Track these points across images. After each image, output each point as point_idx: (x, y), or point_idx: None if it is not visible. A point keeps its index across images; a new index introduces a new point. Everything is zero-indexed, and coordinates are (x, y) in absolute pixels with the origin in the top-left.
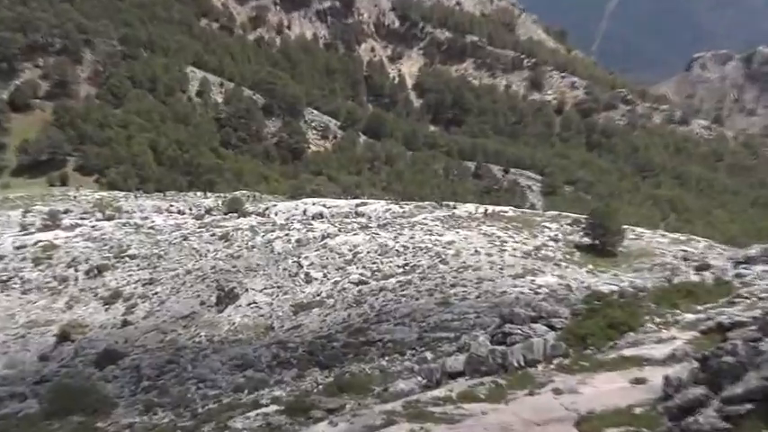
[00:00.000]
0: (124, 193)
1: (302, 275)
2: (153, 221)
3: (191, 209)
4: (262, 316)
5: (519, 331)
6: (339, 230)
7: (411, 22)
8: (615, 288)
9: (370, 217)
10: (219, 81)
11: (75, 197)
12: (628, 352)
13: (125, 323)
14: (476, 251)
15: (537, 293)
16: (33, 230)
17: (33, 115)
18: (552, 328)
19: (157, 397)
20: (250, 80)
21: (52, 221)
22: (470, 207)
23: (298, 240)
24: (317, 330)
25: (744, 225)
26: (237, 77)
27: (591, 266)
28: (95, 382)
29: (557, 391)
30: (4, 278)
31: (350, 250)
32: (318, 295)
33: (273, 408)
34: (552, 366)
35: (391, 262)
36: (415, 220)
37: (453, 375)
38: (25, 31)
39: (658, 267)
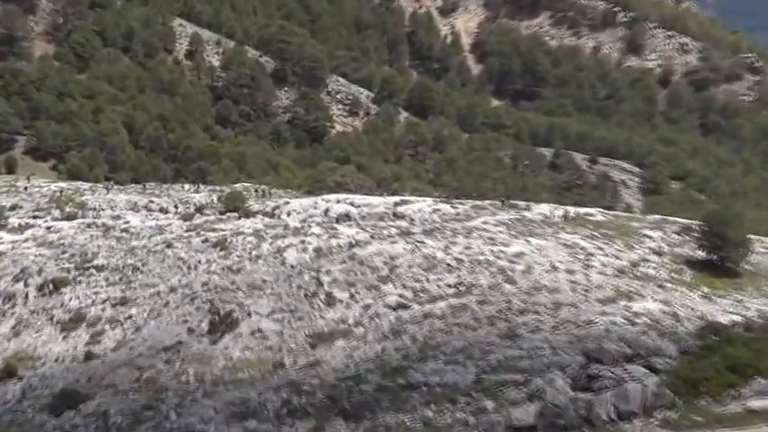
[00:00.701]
0: (90, 184)
1: (322, 296)
2: (127, 222)
3: (177, 206)
4: (269, 348)
5: (609, 374)
6: (372, 237)
7: None
8: (738, 319)
9: (412, 220)
10: (216, 38)
11: (25, 189)
12: (756, 403)
13: (89, 355)
14: (552, 267)
15: (633, 324)
16: None
17: None
18: (653, 370)
19: None
20: (256, 38)
21: None
22: (545, 208)
23: (317, 250)
24: (342, 369)
25: None
26: (239, 34)
27: (706, 289)
28: None
29: None
30: None
31: (385, 263)
32: (343, 322)
33: None
34: (654, 421)
35: (440, 280)
36: (471, 225)
37: (521, 431)
38: None
39: None
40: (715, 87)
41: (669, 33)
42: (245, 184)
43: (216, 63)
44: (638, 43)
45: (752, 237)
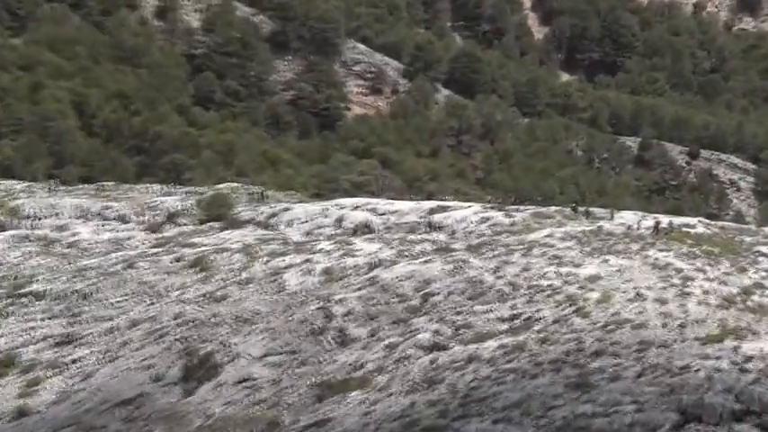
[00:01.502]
0: (26, 183)
1: (333, 333)
2: (75, 234)
3: (141, 214)
4: (261, 403)
5: None
6: (399, 255)
7: None
8: None
9: (453, 231)
10: None
11: None
12: None
13: (22, 412)
14: (637, 295)
15: (744, 371)
16: None
17: None
18: None
19: None
20: None
21: None
22: (630, 217)
23: (326, 272)
24: (357, 430)
25: None
26: None
27: None
28: None
29: None
30: None
31: (417, 290)
32: (361, 368)
33: None
34: None
35: (490, 312)
36: (532, 239)
37: None
38: None
39: None
40: None
41: None
42: (233, 185)
43: (195, 24)
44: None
45: None
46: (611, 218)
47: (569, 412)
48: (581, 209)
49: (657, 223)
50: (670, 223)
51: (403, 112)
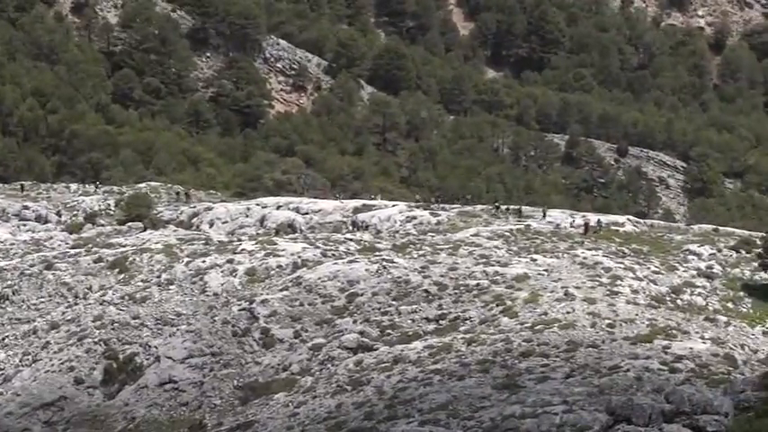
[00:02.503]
0: None
1: (257, 334)
2: None
3: (59, 213)
4: (184, 405)
5: None
6: (324, 255)
7: None
8: None
9: (378, 231)
10: None
11: None
12: None
13: None
14: (566, 294)
15: (674, 371)
16: None
17: None
18: (700, 431)
19: None
20: None
21: None
22: (558, 215)
23: (249, 272)
24: None
25: None
26: None
27: None
28: None
29: None
30: None
31: (342, 291)
32: (285, 370)
33: None
34: None
35: (416, 312)
36: (459, 238)
37: None
38: None
39: None
40: None
41: None
42: (153, 184)
43: (113, 20)
44: None
45: None
46: (543, 216)
47: (497, 413)
48: (505, 208)
49: (585, 222)
50: (598, 222)
51: (326, 110)
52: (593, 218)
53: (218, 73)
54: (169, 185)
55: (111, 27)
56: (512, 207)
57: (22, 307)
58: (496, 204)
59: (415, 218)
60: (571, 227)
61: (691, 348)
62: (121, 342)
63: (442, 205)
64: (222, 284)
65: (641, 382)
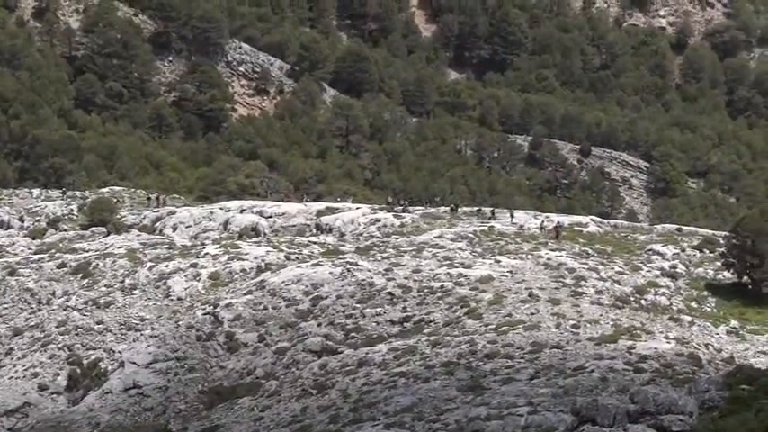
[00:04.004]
0: None
1: (221, 339)
2: None
3: (22, 219)
4: (148, 410)
5: None
6: (287, 258)
7: None
8: None
9: (342, 234)
10: None
11: None
12: None
13: None
14: (530, 295)
15: (639, 371)
16: None
17: None
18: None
19: None
20: None
21: None
22: (521, 216)
23: (213, 276)
24: None
25: None
26: None
27: (735, 322)
28: None
29: None
30: None
31: (306, 294)
32: (250, 374)
33: None
34: None
35: (380, 315)
36: (422, 240)
37: None
38: None
39: None
40: (748, 53)
41: None
42: (116, 189)
43: (75, 24)
44: None
45: None
46: (512, 218)
47: (462, 416)
48: (472, 210)
49: (549, 222)
50: (559, 224)
51: (289, 113)
52: (555, 218)
53: (181, 77)
54: (132, 190)
55: (73, 32)
56: (474, 209)
57: None
58: (453, 206)
59: (378, 220)
60: (541, 230)
61: (655, 348)
62: (85, 347)
63: (410, 208)
64: (186, 289)
65: (606, 383)
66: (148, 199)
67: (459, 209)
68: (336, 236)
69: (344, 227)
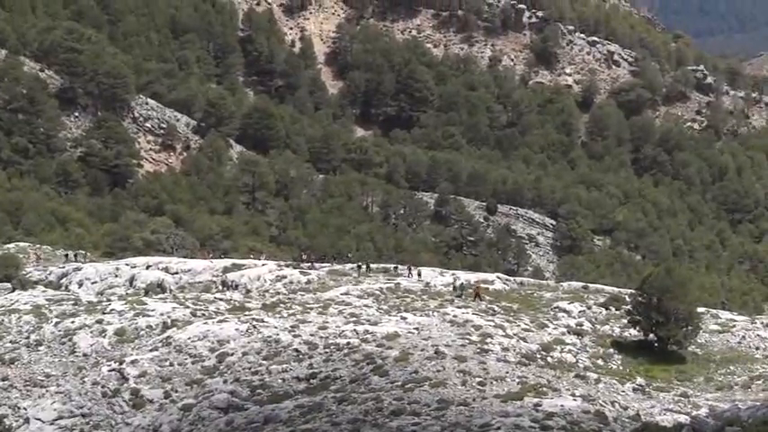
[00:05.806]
0: None
1: (126, 395)
2: None
3: None
4: None
5: None
6: (193, 315)
7: None
8: (684, 419)
9: (248, 290)
10: None
11: None
12: None
13: None
14: (437, 352)
15: (545, 428)
16: None
17: None
18: None
19: None
20: (35, 44)
21: None
22: (428, 273)
23: (119, 332)
24: None
25: None
26: (12, 40)
27: (641, 380)
28: None
29: None
30: None
31: (212, 350)
32: (156, 430)
33: None
34: None
35: (286, 371)
36: (328, 297)
37: None
38: None
39: (761, 383)
40: (653, 111)
41: (591, 39)
42: (21, 245)
43: None
44: (551, 52)
45: (701, 310)
46: (419, 276)
47: None
48: (378, 268)
49: (455, 281)
50: (466, 281)
51: (195, 169)
52: (463, 276)
53: (87, 132)
54: (37, 246)
55: None
56: (380, 266)
57: None
58: (359, 264)
59: (284, 277)
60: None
61: (561, 405)
62: None
63: (312, 264)
64: (92, 345)
65: None
66: (66, 256)
67: (370, 267)
68: (242, 292)
69: (251, 283)
